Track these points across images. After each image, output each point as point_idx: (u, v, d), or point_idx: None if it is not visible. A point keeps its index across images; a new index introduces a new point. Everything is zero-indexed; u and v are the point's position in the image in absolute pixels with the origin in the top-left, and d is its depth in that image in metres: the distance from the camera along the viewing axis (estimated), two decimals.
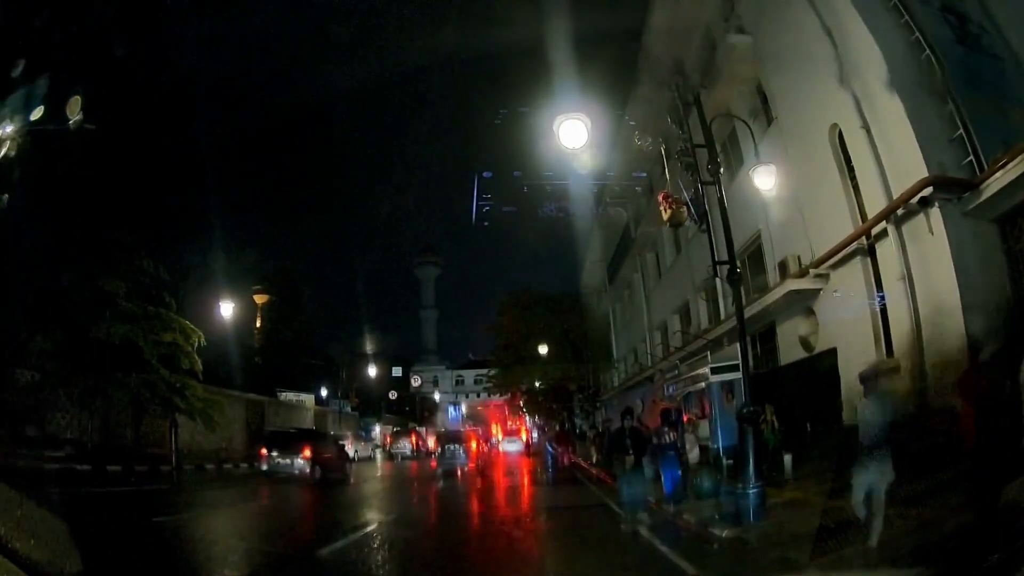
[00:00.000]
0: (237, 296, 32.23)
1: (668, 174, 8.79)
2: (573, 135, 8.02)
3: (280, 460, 17.11)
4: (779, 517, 6.55)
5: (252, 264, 38.41)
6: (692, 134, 8.91)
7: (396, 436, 35.13)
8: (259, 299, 43.47)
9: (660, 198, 8.27)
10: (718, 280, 17.48)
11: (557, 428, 34.40)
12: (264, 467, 17.20)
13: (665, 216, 8.22)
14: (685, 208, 8.16)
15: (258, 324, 42.42)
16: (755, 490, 7.14)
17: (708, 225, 8.48)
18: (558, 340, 34.72)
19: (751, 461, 7.35)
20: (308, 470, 16.73)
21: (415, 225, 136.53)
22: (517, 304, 37.91)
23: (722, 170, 8.60)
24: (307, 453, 17.04)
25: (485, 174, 34.99)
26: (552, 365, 35.57)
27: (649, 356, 26.51)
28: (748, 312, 14.70)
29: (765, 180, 8.81)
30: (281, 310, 42.36)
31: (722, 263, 8.30)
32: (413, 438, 34.42)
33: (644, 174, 26.31)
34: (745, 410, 7.87)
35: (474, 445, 26.48)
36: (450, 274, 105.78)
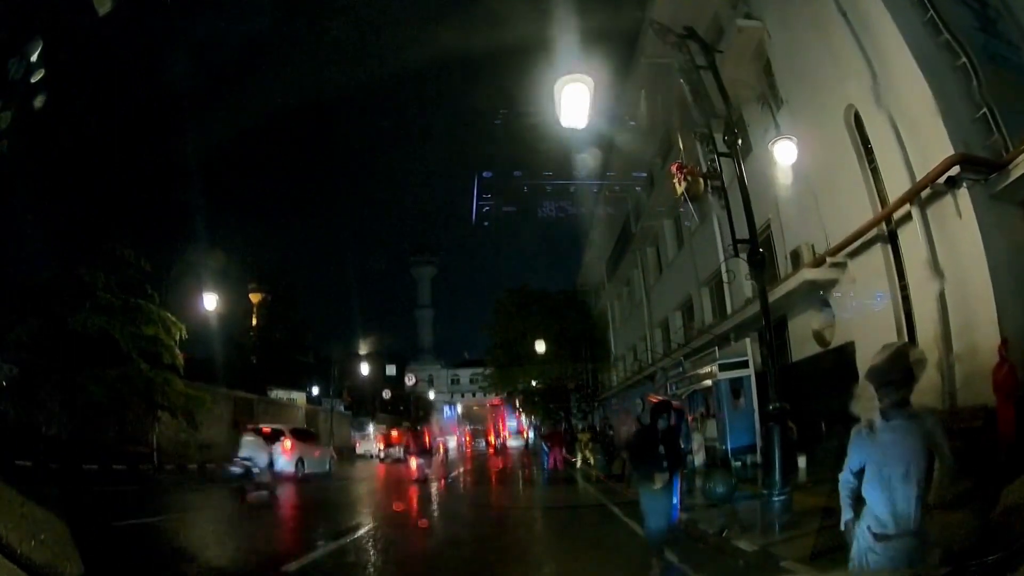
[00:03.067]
0: (230, 293, 31.50)
1: (681, 142, 8.04)
2: (576, 105, 7.24)
3: (389, 451, 29.58)
4: (808, 527, 5.78)
5: (247, 261, 37.64)
6: (703, 103, 8.14)
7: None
8: (255, 297, 42.68)
9: (673, 169, 7.52)
10: (724, 274, 16.86)
11: (551, 426, 33.60)
12: (382, 456, 28.42)
13: (679, 189, 7.47)
14: (701, 180, 7.39)
15: (254, 323, 41.66)
16: (782, 497, 6.38)
17: (726, 199, 7.73)
18: (555, 339, 33.93)
19: (778, 464, 6.58)
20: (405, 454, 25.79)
21: (413, 224, 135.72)
22: (514, 302, 37.14)
23: (740, 141, 7.85)
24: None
25: (485, 174, 34.46)
26: (549, 364, 34.85)
27: (649, 354, 25.80)
28: (759, 305, 14.06)
29: (785, 154, 8.07)
30: (275, 308, 41.60)
31: (743, 241, 7.55)
32: (427, 438, 38.65)
33: (644, 174, 26.19)
34: (772, 407, 7.08)
35: (492, 439, 45.40)
36: (447, 273, 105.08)
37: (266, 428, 16.60)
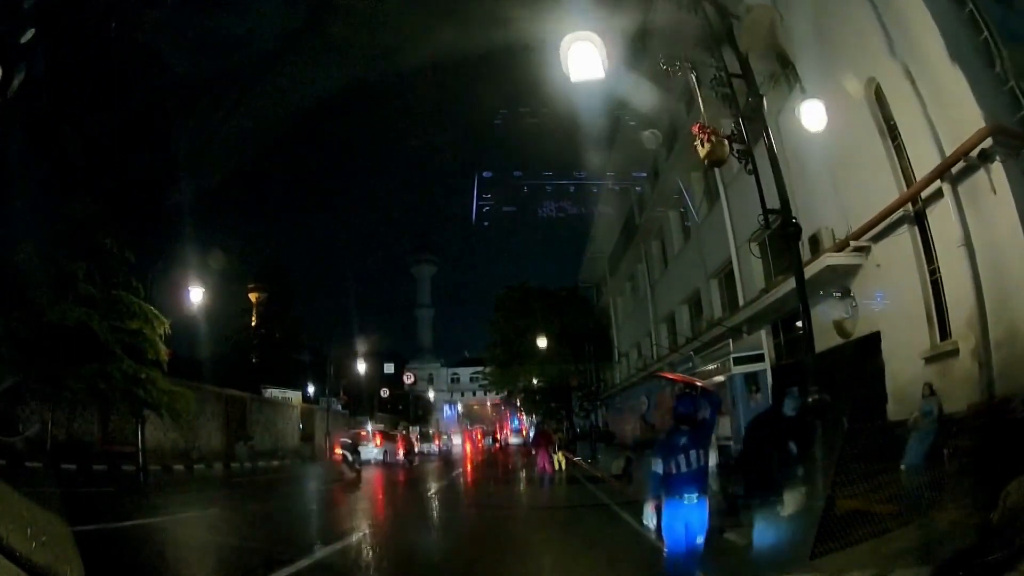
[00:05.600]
0: (225, 291, 30.87)
1: (701, 102, 7.29)
2: (583, 65, 6.55)
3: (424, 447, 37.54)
4: (851, 536, 5.07)
5: (245, 259, 37.06)
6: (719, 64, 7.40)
7: (422, 438, 44.26)
8: (254, 296, 42.10)
9: (695, 130, 6.78)
10: (735, 264, 16.15)
11: (540, 425, 32.57)
12: (419, 451, 33.71)
13: (702, 152, 6.70)
14: (726, 141, 6.66)
15: (253, 322, 41.14)
16: (821, 503, 5.62)
17: (753, 164, 7.00)
18: (557, 336, 33.18)
19: (819, 465, 5.82)
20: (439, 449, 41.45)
21: (413, 223, 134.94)
22: (514, 299, 36.40)
23: (765, 104, 7.11)
24: (437, 442, 43.58)
25: (485, 174, 33.91)
26: (550, 363, 34.13)
27: (654, 350, 25.04)
28: (772, 296, 13.32)
29: (814, 118, 7.34)
30: (271, 307, 41.06)
31: (774, 212, 6.83)
32: (437, 440, 46.02)
33: (644, 173, 25.89)
34: (811, 399, 6.31)
35: (497, 437, 54.21)
36: (447, 272, 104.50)
37: (364, 433, 27.49)
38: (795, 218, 6.91)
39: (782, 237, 6.74)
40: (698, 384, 4.64)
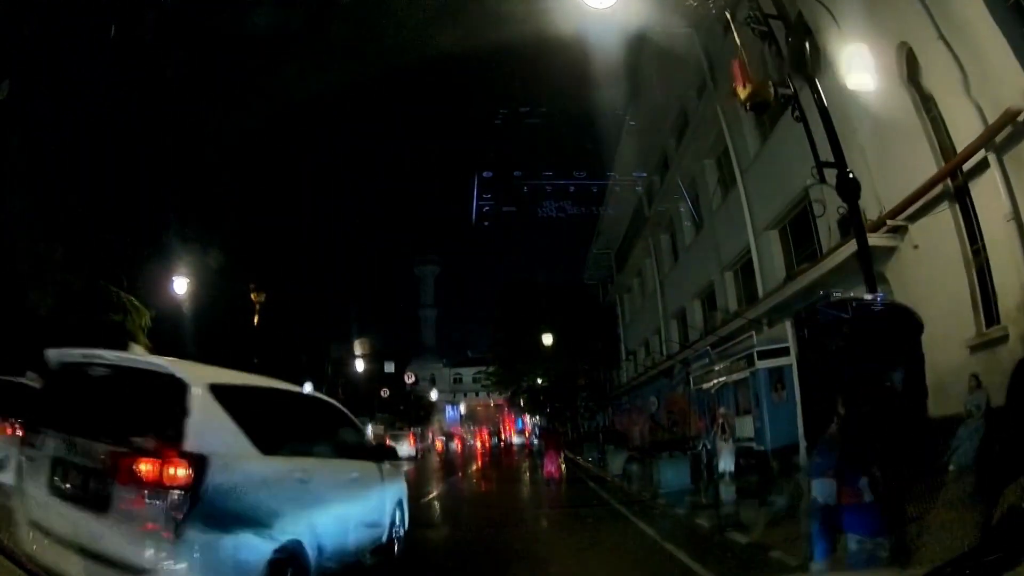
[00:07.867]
0: (224, 288, 30.09)
1: (738, 38, 6.41)
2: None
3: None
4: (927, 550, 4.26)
5: (245, 256, 36.45)
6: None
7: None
8: (254, 296, 41.42)
9: (735, 69, 5.96)
10: (754, 253, 15.25)
11: (543, 425, 31.85)
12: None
13: (743, 93, 5.87)
14: (770, 82, 5.85)
15: (255, 320, 40.53)
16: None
17: (801, 111, 6.20)
18: (561, 334, 32.37)
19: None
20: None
21: (415, 223, 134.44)
22: (518, 296, 35.60)
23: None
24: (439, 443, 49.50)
25: (485, 174, 33.25)
26: (554, 362, 33.30)
27: (663, 347, 24.13)
28: (797, 285, 12.41)
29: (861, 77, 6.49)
30: (269, 305, 40.38)
31: (828, 165, 6.04)
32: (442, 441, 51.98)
33: (644, 173, 25.26)
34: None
35: (502, 437, 60.24)
36: (450, 272, 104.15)
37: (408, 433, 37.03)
38: (851, 172, 6.03)
39: (843, 192, 5.85)
40: (880, 298, 2.68)
